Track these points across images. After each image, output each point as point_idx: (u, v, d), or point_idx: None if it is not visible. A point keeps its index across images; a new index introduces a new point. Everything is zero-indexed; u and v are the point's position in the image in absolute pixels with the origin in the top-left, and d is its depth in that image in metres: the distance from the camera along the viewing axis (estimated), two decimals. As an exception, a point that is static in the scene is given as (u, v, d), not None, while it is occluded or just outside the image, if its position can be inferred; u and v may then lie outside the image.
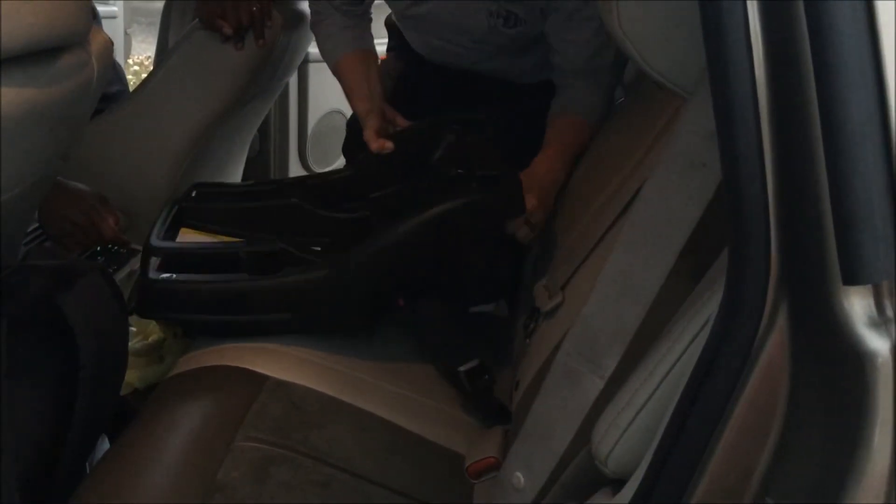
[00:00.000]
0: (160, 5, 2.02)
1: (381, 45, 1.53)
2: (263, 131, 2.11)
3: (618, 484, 0.66)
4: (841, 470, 0.48)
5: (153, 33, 2.36)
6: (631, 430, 0.64)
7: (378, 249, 1.09)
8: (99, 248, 1.39)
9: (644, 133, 0.99)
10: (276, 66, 1.70)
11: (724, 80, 0.49)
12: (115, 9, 2.97)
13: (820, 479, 0.50)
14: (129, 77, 2.54)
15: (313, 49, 1.71)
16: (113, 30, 2.81)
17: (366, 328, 1.18)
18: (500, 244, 1.22)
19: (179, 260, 1.17)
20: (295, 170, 2.23)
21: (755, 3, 0.48)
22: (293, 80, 2.11)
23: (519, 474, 0.80)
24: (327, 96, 2.16)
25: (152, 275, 1.12)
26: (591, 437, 0.68)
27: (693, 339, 0.60)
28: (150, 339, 1.17)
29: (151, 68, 1.79)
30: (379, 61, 1.48)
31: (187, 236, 1.22)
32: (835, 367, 0.49)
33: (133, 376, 1.11)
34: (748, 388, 0.52)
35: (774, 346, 0.51)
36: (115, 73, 1.76)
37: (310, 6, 1.50)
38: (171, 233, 1.21)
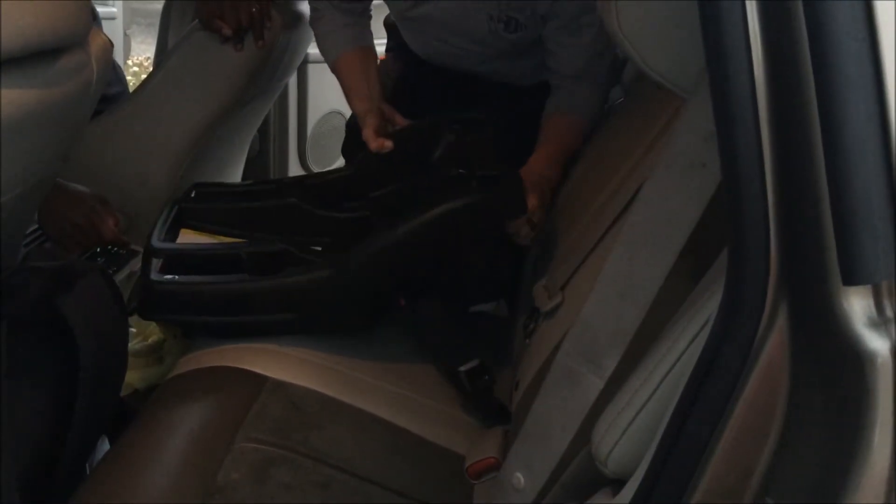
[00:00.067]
0: (160, 6, 2.02)
1: (380, 46, 1.53)
2: (263, 132, 2.11)
3: (618, 484, 0.66)
4: (841, 470, 0.48)
5: (153, 34, 2.36)
6: (631, 431, 0.64)
7: (379, 249, 1.09)
8: (99, 250, 1.39)
9: (643, 133, 0.99)
10: (276, 67, 1.70)
11: (724, 80, 0.49)
12: (114, 10, 2.97)
13: (820, 480, 0.50)
14: (128, 78, 2.53)
15: (313, 49, 1.71)
16: (112, 31, 2.81)
17: (366, 328, 1.18)
18: (500, 244, 1.22)
19: (181, 261, 1.17)
20: (294, 170, 2.22)
21: (754, 3, 0.48)
22: (293, 81, 2.11)
23: (519, 474, 0.80)
24: (327, 97, 2.16)
25: (154, 276, 1.12)
26: (591, 437, 0.68)
27: (693, 340, 0.60)
28: (149, 340, 1.17)
29: (151, 69, 1.79)
30: (378, 61, 1.48)
31: (188, 237, 1.22)
32: (835, 368, 0.49)
33: (133, 377, 1.12)
34: (748, 388, 0.52)
35: (774, 346, 0.51)
36: (114, 74, 1.76)
37: (309, 3, 1.49)
38: (172, 234, 1.21)
